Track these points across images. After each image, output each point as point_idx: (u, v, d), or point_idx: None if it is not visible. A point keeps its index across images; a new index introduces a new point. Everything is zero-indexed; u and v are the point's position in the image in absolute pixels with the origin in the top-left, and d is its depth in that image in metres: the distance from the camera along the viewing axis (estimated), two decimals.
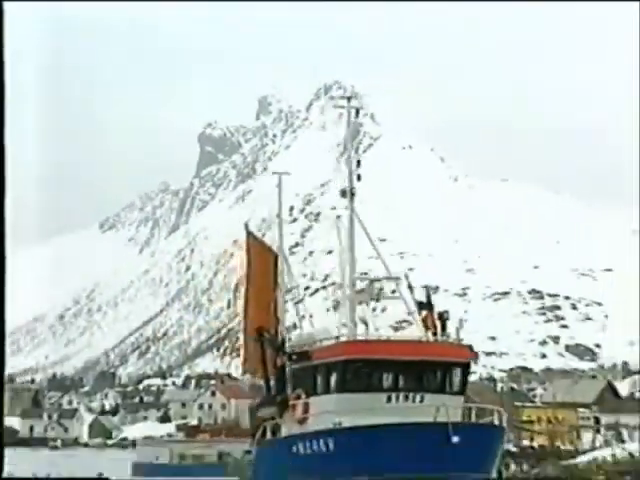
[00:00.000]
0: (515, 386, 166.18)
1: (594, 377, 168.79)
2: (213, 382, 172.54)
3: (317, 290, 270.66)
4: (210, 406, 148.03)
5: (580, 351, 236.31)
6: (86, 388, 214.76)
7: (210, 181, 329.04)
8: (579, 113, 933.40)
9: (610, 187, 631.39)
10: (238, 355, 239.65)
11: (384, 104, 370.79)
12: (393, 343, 27.25)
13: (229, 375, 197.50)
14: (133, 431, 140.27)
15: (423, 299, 27.74)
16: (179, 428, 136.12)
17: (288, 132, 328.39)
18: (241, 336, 31.57)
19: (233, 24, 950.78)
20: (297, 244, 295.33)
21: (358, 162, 29.03)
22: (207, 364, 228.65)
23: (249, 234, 32.06)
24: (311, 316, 31.49)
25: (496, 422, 26.84)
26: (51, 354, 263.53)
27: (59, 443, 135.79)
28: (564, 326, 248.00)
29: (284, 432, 27.13)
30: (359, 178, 28.25)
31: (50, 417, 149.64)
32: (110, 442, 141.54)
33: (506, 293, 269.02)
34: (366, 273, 29.04)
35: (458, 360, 26.56)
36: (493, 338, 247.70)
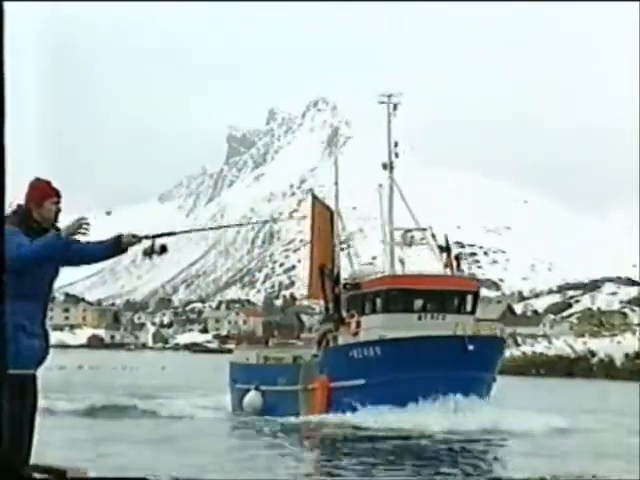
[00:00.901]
0: None
1: (499, 302, 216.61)
2: (237, 305, 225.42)
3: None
4: (235, 322, 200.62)
5: (489, 284, 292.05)
6: (150, 309, 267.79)
7: (235, 167, 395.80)
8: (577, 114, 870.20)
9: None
10: (253, 284, 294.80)
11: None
12: (422, 277, 32.75)
13: (248, 301, 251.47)
14: (182, 339, 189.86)
15: (443, 245, 34.15)
16: (214, 337, 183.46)
17: (289, 133, 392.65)
18: (308, 272, 37.95)
19: (239, 29, 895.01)
20: (296, 210, 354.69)
21: (396, 143, 34.58)
22: (233, 293, 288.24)
23: (314, 198, 37.73)
24: (357, 255, 37.13)
25: (498, 334, 33.59)
26: (126, 285, 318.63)
27: (132, 347, 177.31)
28: (479, 267, 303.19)
29: (341, 341, 33.09)
30: (397, 155, 34.54)
31: (125, 329, 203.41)
32: (167, 346, 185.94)
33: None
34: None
35: (470, 289, 32.93)
36: None
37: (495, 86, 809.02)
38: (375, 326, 31.47)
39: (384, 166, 34.28)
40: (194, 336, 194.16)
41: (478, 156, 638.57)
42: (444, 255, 33.07)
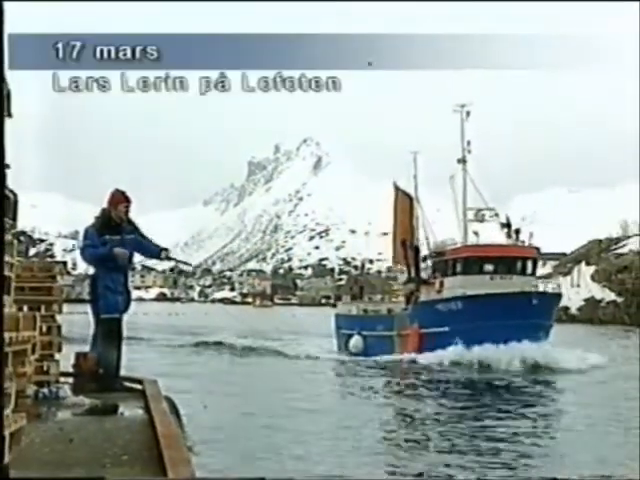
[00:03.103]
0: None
1: (425, 269, 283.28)
2: (254, 273, 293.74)
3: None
4: (252, 285, 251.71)
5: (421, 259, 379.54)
6: (197, 276, 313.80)
7: (252, 183, 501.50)
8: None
9: None
10: (265, 260, 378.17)
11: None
12: (492, 246, 37.23)
13: (262, 270, 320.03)
14: (217, 295, 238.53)
15: (504, 221, 38.53)
16: (239, 294, 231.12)
17: (288, 160, 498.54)
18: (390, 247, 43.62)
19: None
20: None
21: (468, 142, 38.97)
22: (251, 265, 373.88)
23: (396, 188, 41.85)
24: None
25: (557, 290, 38.38)
26: (183, 260, 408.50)
27: (184, 300, 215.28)
28: None
29: (424, 298, 37.82)
30: (469, 152, 38.88)
31: (181, 288, 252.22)
32: (207, 299, 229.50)
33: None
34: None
35: (530, 256, 37.54)
36: None
37: None
38: (456, 285, 36.17)
39: (458, 160, 38.64)
40: (225, 293, 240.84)
41: None
42: (505, 229, 37.71)
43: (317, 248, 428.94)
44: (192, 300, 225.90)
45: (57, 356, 9.35)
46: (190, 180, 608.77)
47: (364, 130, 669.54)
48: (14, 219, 5.90)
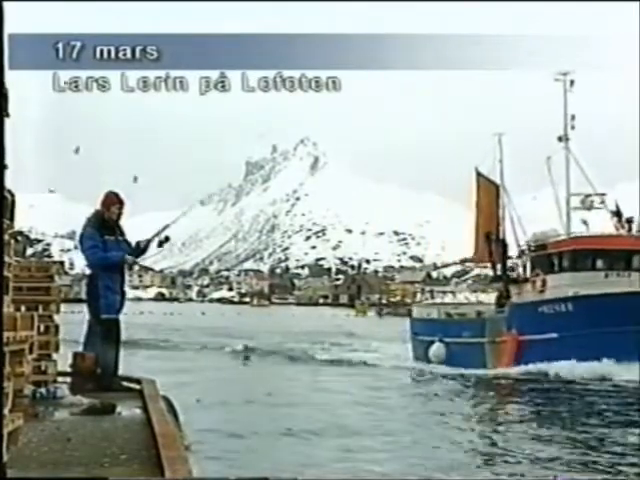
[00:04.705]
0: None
1: (421, 270, 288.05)
2: (251, 273, 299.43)
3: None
4: (249, 284, 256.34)
5: (416, 259, 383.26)
6: (195, 275, 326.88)
7: (250, 182, 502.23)
8: None
9: None
10: (262, 259, 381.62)
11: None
12: (606, 238, 31.98)
13: (259, 270, 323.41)
14: (215, 295, 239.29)
15: (614, 209, 33.44)
16: (236, 294, 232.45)
17: (285, 160, 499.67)
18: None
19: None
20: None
21: (572, 117, 33.84)
22: (248, 265, 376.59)
23: (478, 174, 36.96)
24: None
25: None
26: (179, 260, 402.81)
27: (182, 300, 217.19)
28: (408, 247, 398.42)
29: (516, 299, 32.84)
30: (573, 127, 33.73)
31: (179, 288, 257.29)
32: (205, 299, 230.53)
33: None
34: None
35: None
36: None
37: None
38: (562, 284, 31.19)
39: (559, 138, 33.61)
40: (223, 293, 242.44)
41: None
42: (615, 218, 32.88)
43: (314, 248, 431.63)
44: (190, 300, 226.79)
45: (55, 356, 9.37)
46: (187, 181, 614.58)
47: (362, 130, 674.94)
48: (12, 219, 5.89)
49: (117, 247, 10.51)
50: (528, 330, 30.91)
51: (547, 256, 32.77)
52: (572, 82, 33.28)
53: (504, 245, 35.36)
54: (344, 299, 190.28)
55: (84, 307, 10.77)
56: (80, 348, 10.37)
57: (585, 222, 33.07)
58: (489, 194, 36.71)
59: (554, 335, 29.72)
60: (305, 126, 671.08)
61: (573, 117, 33.95)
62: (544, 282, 32.28)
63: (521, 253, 35.02)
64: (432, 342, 34.79)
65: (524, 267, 34.54)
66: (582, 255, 31.78)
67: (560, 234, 33.53)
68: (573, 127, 33.87)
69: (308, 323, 71.64)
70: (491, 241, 35.39)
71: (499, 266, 35.21)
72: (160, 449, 5.95)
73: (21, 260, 10.17)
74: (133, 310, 52.80)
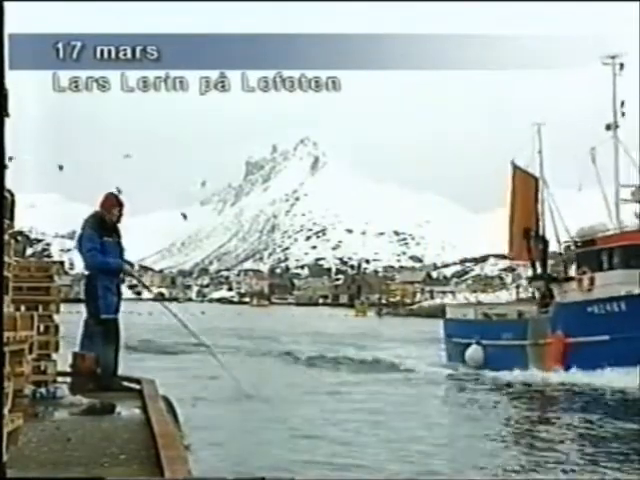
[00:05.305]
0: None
1: (421, 270, 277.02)
2: (251, 273, 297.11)
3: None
4: (249, 284, 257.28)
5: (416, 259, 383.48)
6: (194, 275, 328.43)
7: (250, 182, 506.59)
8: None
9: None
10: (262, 259, 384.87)
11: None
12: None
13: (259, 270, 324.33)
14: (215, 295, 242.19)
15: None
16: (236, 293, 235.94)
17: (285, 160, 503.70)
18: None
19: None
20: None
21: (622, 103, 31.22)
22: (248, 265, 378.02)
23: (515, 167, 34.72)
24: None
25: None
26: (179, 260, 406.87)
27: (182, 300, 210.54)
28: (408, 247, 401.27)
29: (563, 299, 30.50)
30: (623, 114, 31.11)
31: (178, 288, 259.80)
32: (204, 299, 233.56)
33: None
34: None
35: None
36: None
37: None
38: (613, 282, 28.75)
39: (608, 127, 31.10)
40: (223, 293, 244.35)
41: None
42: None
43: (314, 248, 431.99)
44: (189, 300, 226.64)
45: (54, 356, 9.37)
46: (187, 180, 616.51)
47: (362, 130, 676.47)
48: (11, 219, 5.91)
49: (115, 249, 10.51)
50: (576, 332, 28.52)
51: (596, 252, 30.26)
52: (622, 65, 30.63)
53: (544, 242, 33.16)
54: (344, 299, 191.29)
55: (84, 307, 10.76)
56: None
57: (638, 216, 30.27)
58: (527, 188, 34.26)
59: (605, 337, 27.62)
60: (305, 126, 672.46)
61: (622, 103, 31.28)
62: (592, 280, 29.77)
63: (566, 249, 32.68)
64: (468, 345, 32.59)
65: (565, 265, 32.77)
66: (635, 251, 29.15)
67: (609, 229, 30.95)
68: (623, 114, 31.31)
69: (323, 324, 70.16)
70: (530, 238, 33.03)
71: (539, 264, 33.03)
72: (160, 449, 5.96)
73: (21, 260, 10.17)
74: (132, 310, 52.20)
